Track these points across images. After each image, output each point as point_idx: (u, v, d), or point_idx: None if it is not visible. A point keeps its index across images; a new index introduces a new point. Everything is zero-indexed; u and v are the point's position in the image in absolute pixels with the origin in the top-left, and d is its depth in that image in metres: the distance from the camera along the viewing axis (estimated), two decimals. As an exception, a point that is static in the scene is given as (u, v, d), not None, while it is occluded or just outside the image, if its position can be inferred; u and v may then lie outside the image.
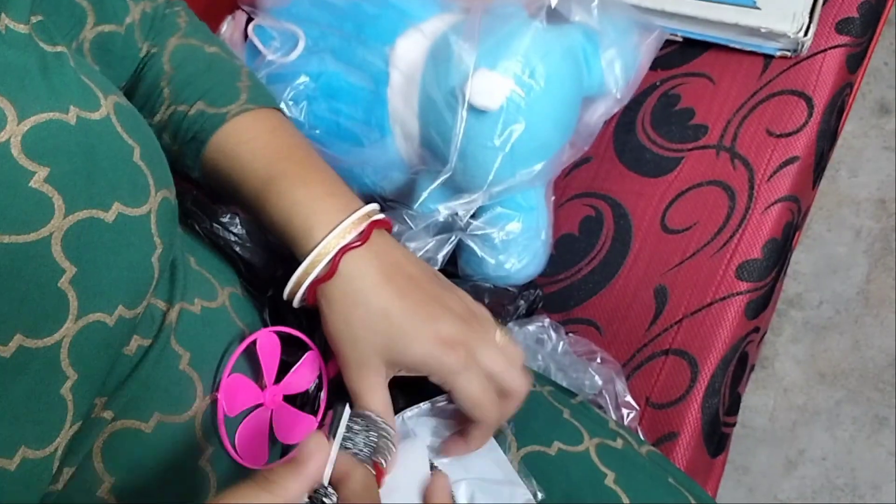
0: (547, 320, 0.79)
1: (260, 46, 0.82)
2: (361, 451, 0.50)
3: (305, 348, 0.59)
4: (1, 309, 0.42)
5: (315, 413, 0.60)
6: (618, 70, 0.80)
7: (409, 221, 0.76)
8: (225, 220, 0.65)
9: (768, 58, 0.89)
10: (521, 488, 0.58)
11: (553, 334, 0.79)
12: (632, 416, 0.76)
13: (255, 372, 0.58)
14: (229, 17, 0.87)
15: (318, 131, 0.80)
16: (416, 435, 0.60)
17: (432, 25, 0.78)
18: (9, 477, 0.43)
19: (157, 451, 0.52)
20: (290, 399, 0.59)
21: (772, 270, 0.81)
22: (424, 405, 0.61)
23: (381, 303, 0.54)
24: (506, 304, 0.77)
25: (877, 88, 1.54)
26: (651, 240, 0.84)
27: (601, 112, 0.82)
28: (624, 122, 0.91)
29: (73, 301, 0.44)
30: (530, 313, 0.81)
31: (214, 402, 0.55)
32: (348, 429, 0.50)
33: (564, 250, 0.87)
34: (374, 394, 0.55)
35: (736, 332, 0.79)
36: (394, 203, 0.80)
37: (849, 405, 1.37)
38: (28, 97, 0.43)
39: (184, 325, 0.54)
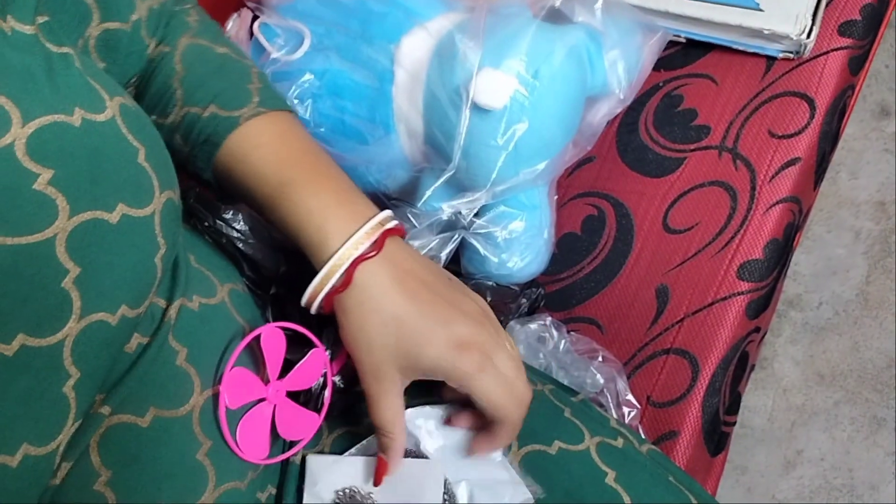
0: (549, 319, 0.79)
1: (265, 44, 0.82)
2: None
3: (310, 346, 0.59)
4: (4, 308, 0.42)
5: (318, 411, 0.60)
6: (621, 70, 0.80)
7: (412, 220, 0.76)
8: (227, 216, 0.65)
9: (771, 59, 0.89)
10: (521, 487, 0.59)
11: (555, 333, 0.79)
12: (633, 414, 0.77)
13: (258, 367, 0.58)
14: (235, 15, 0.87)
15: (322, 129, 0.81)
16: (419, 432, 0.60)
17: (438, 24, 0.78)
18: (10, 473, 0.44)
19: (154, 445, 0.52)
20: (293, 396, 0.59)
21: (773, 271, 0.81)
22: (427, 408, 0.61)
23: (394, 309, 0.55)
24: (508, 302, 0.78)
25: (877, 91, 1.55)
26: (653, 239, 0.85)
27: (604, 112, 0.83)
28: (627, 123, 0.91)
29: (76, 301, 0.44)
30: (532, 311, 0.81)
31: (214, 396, 0.55)
32: None
33: (566, 249, 0.87)
34: (387, 400, 0.55)
35: (737, 332, 0.79)
36: (397, 201, 0.80)
37: (847, 406, 1.38)
38: (32, 99, 0.43)
39: (182, 321, 0.54)
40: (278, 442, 0.60)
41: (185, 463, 0.53)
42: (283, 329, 0.58)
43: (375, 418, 0.56)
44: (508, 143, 0.73)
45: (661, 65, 0.90)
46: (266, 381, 0.57)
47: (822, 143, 0.86)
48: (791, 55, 0.87)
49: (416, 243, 0.74)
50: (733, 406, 0.81)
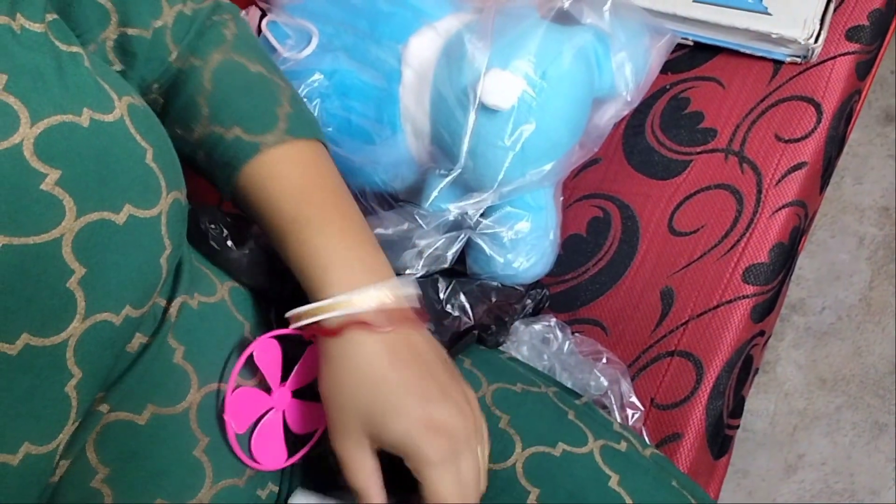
0: (553, 320, 0.80)
1: (274, 42, 0.82)
2: None
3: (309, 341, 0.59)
4: (9, 308, 0.42)
5: None
6: (628, 72, 0.80)
7: (419, 220, 0.76)
8: (227, 255, 0.63)
9: (778, 63, 0.89)
10: None
11: (559, 334, 0.79)
12: (636, 416, 0.77)
13: (259, 377, 0.58)
14: (243, 13, 0.87)
15: (330, 129, 0.81)
16: None
17: (446, 24, 0.78)
18: (11, 472, 0.44)
19: (151, 442, 0.52)
20: (301, 389, 0.59)
21: (778, 274, 0.81)
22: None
23: (376, 372, 0.51)
24: (513, 302, 0.78)
25: (883, 97, 1.55)
26: (658, 242, 0.85)
27: (611, 114, 0.83)
28: (633, 125, 0.91)
29: (80, 301, 0.44)
30: (537, 312, 0.81)
31: (212, 393, 0.55)
32: None
33: (572, 250, 0.87)
34: (356, 462, 0.52)
35: (741, 335, 0.79)
36: (404, 202, 0.80)
37: (849, 411, 1.38)
38: (41, 99, 0.43)
39: (182, 320, 0.54)
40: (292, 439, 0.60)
41: (183, 459, 0.53)
42: (278, 336, 0.57)
43: (347, 479, 0.52)
44: (515, 144, 0.73)
45: (668, 67, 0.90)
46: (269, 390, 0.57)
47: (829, 147, 0.86)
48: (798, 59, 0.87)
49: (422, 242, 0.74)
50: (737, 409, 0.81)
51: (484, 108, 0.73)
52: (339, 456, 0.52)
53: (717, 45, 0.90)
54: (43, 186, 0.42)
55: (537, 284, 0.81)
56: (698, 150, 0.88)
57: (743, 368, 0.80)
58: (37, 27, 0.45)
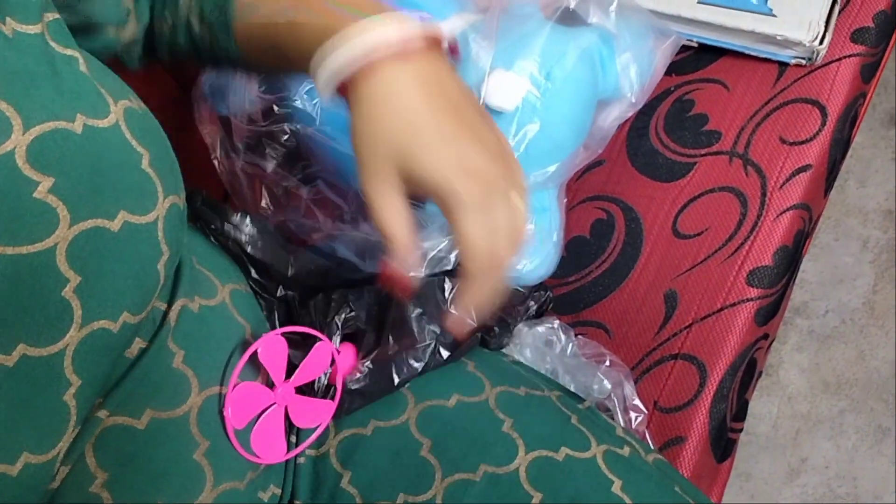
0: (556, 322, 0.79)
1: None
2: None
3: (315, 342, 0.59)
4: (4, 318, 0.41)
5: (332, 398, 0.60)
6: (633, 74, 0.80)
7: (422, 222, 0.76)
8: (235, 220, 0.65)
9: (783, 65, 0.89)
10: None
11: (562, 336, 0.79)
12: (639, 419, 0.76)
13: (264, 373, 0.58)
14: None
15: (328, 127, 0.81)
16: None
17: (450, 24, 0.78)
18: (10, 482, 0.43)
19: (151, 446, 0.52)
20: (303, 388, 0.59)
21: (782, 278, 0.81)
22: None
23: (410, 106, 0.48)
24: (516, 304, 0.78)
25: (887, 99, 1.54)
26: (662, 244, 0.85)
27: (615, 115, 0.83)
28: (637, 127, 0.91)
29: (77, 310, 0.44)
30: (540, 315, 0.81)
31: (213, 396, 0.55)
32: None
33: (575, 252, 0.87)
34: (385, 201, 0.49)
35: (745, 339, 0.79)
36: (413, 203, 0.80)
37: (852, 415, 1.37)
38: (34, 104, 0.42)
39: (182, 324, 0.54)
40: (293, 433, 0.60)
41: (183, 463, 0.53)
42: (284, 333, 0.57)
43: (376, 221, 0.50)
44: (520, 145, 0.73)
45: (672, 69, 0.90)
46: (272, 386, 0.57)
47: (833, 150, 0.85)
48: (803, 62, 0.87)
49: (426, 244, 0.74)
50: (740, 413, 0.81)
51: (488, 109, 0.72)
52: (370, 195, 0.50)
53: (722, 46, 0.90)
54: (36, 194, 0.41)
55: (540, 286, 0.81)
56: (702, 152, 0.87)
57: (746, 372, 0.80)
58: (31, 29, 0.44)
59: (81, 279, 0.44)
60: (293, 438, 0.61)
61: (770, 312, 0.81)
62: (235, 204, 0.79)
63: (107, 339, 0.46)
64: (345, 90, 0.50)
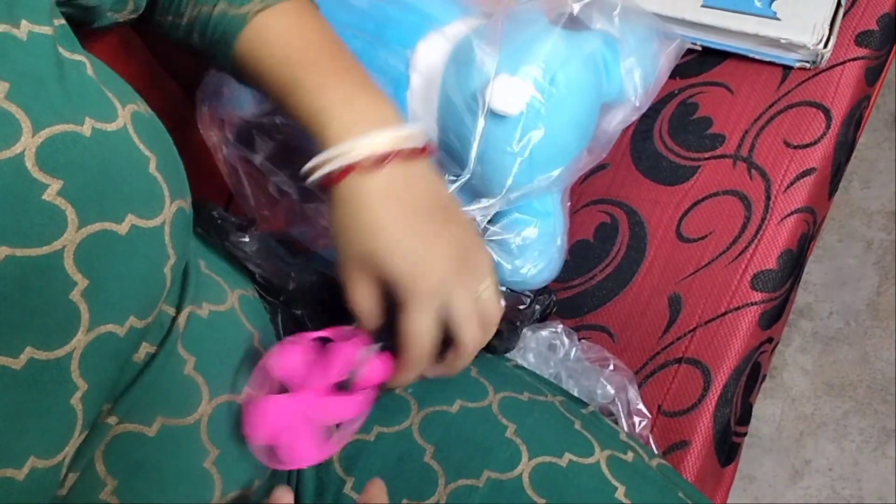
0: (560, 326, 0.79)
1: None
2: None
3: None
4: (12, 321, 0.41)
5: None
6: (637, 78, 0.80)
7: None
8: (236, 239, 0.64)
9: (787, 69, 0.89)
10: None
11: (566, 340, 0.79)
12: (643, 423, 0.76)
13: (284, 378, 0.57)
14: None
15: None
16: None
17: (455, 29, 0.78)
18: (17, 487, 0.43)
19: (161, 454, 0.52)
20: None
21: (786, 281, 0.81)
22: None
23: (372, 213, 0.54)
24: (522, 308, 0.78)
25: (891, 101, 1.54)
26: (666, 248, 0.84)
27: (619, 119, 0.82)
28: (641, 130, 0.91)
29: (84, 313, 0.44)
30: (544, 318, 0.81)
31: (223, 405, 0.55)
32: None
33: (579, 256, 0.87)
34: (357, 287, 0.55)
35: (749, 343, 0.79)
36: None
37: (856, 417, 1.37)
38: (43, 107, 0.42)
39: (191, 329, 0.54)
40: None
41: (192, 471, 0.53)
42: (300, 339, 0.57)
43: (350, 306, 0.56)
44: (524, 150, 0.73)
45: (676, 72, 0.90)
46: (293, 390, 0.56)
47: (838, 153, 0.85)
48: (807, 65, 0.87)
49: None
50: (744, 416, 0.81)
51: (492, 114, 0.72)
52: (346, 280, 0.56)
53: (726, 50, 0.90)
54: (45, 197, 0.42)
55: (544, 290, 0.81)
56: (706, 155, 0.87)
57: (751, 376, 0.79)
58: (45, 30, 0.44)
59: (89, 282, 0.44)
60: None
61: (774, 316, 0.81)
62: (239, 205, 0.79)
63: (114, 343, 0.46)
64: (325, 183, 0.55)
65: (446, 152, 0.77)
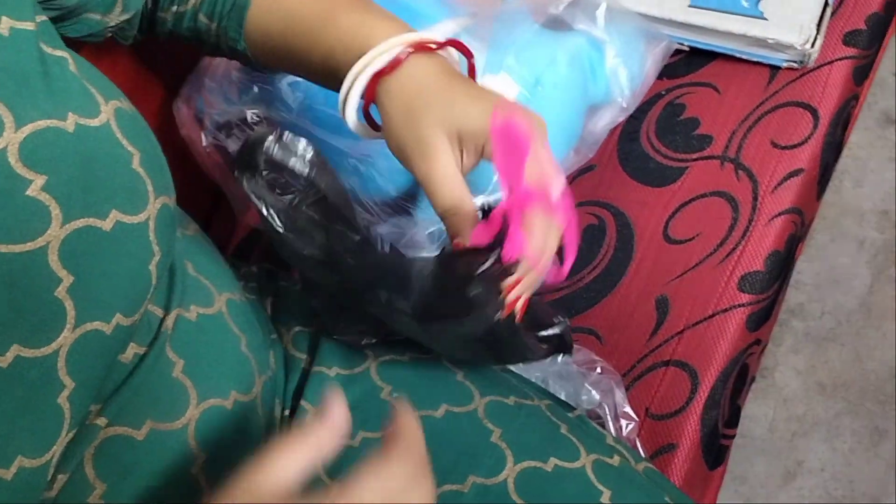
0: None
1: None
2: None
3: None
4: None
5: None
6: (623, 79, 0.80)
7: (413, 226, 0.75)
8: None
9: (774, 69, 0.88)
10: None
11: (553, 343, 0.78)
12: (631, 427, 0.76)
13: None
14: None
15: (325, 129, 0.80)
16: None
17: (442, 28, 0.77)
18: (5, 486, 0.43)
19: (149, 458, 0.52)
20: None
21: (774, 283, 0.81)
22: None
23: (441, 82, 0.55)
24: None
25: (882, 99, 1.54)
26: (653, 250, 0.84)
27: (606, 120, 0.82)
28: (628, 131, 0.91)
29: (70, 310, 0.44)
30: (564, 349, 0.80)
31: (209, 409, 0.54)
32: None
33: (566, 258, 0.87)
34: (441, 173, 0.54)
35: (737, 345, 0.78)
36: (403, 204, 0.79)
37: (848, 417, 1.37)
38: (26, 103, 0.42)
39: (179, 332, 0.54)
40: None
41: (180, 476, 0.53)
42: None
43: (435, 201, 0.55)
44: (508, 152, 0.72)
45: (663, 73, 0.89)
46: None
47: (826, 153, 0.85)
48: (795, 65, 0.87)
49: (410, 252, 0.74)
50: (733, 419, 0.80)
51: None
52: (425, 175, 0.54)
53: (714, 50, 0.90)
54: (29, 192, 0.42)
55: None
56: (694, 156, 0.87)
57: (738, 378, 0.79)
58: (27, 26, 0.44)
59: (74, 279, 0.44)
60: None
61: (762, 318, 0.80)
62: (222, 214, 0.79)
63: (100, 340, 0.46)
64: (370, 96, 0.57)
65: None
